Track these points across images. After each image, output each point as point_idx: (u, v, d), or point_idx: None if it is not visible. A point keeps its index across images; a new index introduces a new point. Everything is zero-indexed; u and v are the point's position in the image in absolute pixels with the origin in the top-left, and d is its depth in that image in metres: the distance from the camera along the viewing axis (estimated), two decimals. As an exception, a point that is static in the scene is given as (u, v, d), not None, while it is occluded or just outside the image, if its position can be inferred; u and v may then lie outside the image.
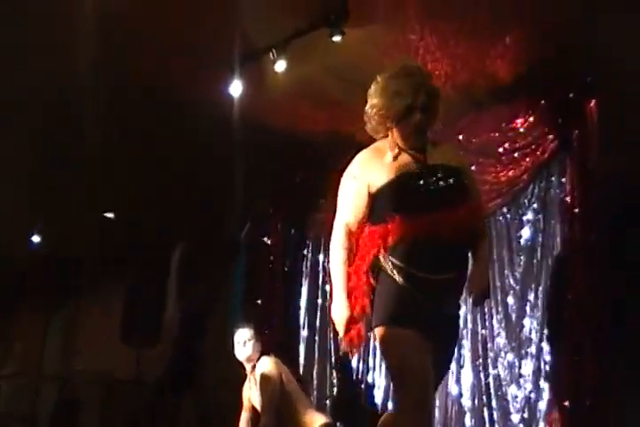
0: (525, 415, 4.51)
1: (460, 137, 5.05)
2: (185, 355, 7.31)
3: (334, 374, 5.85)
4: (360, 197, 2.65)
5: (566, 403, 4.19)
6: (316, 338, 6.06)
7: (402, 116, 2.63)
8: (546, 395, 4.43)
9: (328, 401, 5.74)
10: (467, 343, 4.91)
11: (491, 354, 4.77)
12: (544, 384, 4.47)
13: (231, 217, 6.57)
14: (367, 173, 2.65)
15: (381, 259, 2.57)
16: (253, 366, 4.38)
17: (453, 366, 4.66)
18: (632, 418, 4.18)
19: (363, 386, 5.57)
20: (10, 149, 5.58)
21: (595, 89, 4.46)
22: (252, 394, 4.38)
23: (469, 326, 4.89)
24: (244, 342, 4.40)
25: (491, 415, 4.67)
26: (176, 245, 7.60)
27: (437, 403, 4.55)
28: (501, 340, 4.70)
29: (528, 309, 4.64)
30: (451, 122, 4.72)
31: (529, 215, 4.79)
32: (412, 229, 2.51)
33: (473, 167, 4.25)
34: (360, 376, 5.61)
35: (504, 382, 4.60)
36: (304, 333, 6.14)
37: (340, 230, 2.67)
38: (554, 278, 4.52)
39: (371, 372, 5.57)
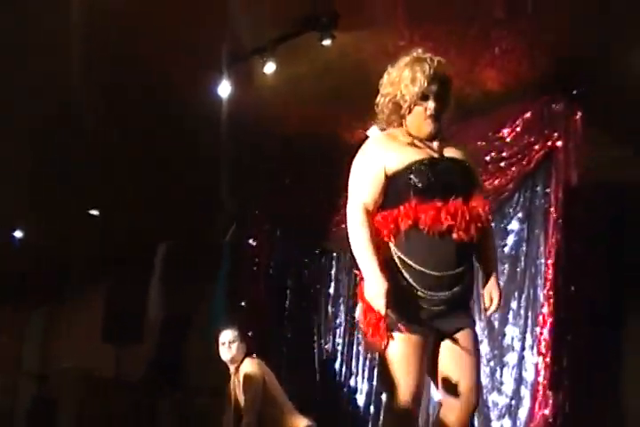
0: (506, 423, 4.54)
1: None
2: (167, 355, 7.31)
3: (317, 378, 5.87)
4: (377, 178, 2.60)
5: (547, 411, 4.23)
6: (300, 341, 6.08)
7: (416, 102, 2.62)
8: (527, 402, 4.46)
9: (310, 404, 5.76)
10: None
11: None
12: (525, 392, 4.50)
13: (217, 218, 6.57)
14: (384, 155, 2.61)
15: (392, 247, 2.54)
16: (237, 368, 4.40)
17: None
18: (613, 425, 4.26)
19: (345, 390, 5.60)
20: (10, 149, 5.55)
21: (581, 101, 4.52)
22: (235, 395, 4.39)
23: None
24: (228, 343, 4.41)
25: (472, 423, 4.69)
26: (160, 244, 7.60)
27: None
28: (484, 347, 4.69)
29: (510, 317, 4.68)
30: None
31: (513, 224, 4.82)
32: (424, 214, 2.50)
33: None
34: (343, 380, 5.64)
35: (485, 390, 4.59)
36: (288, 335, 6.14)
37: (357, 210, 2.59)
38: (536, 287, 4.57)
39: (353, 376, 5.62)
